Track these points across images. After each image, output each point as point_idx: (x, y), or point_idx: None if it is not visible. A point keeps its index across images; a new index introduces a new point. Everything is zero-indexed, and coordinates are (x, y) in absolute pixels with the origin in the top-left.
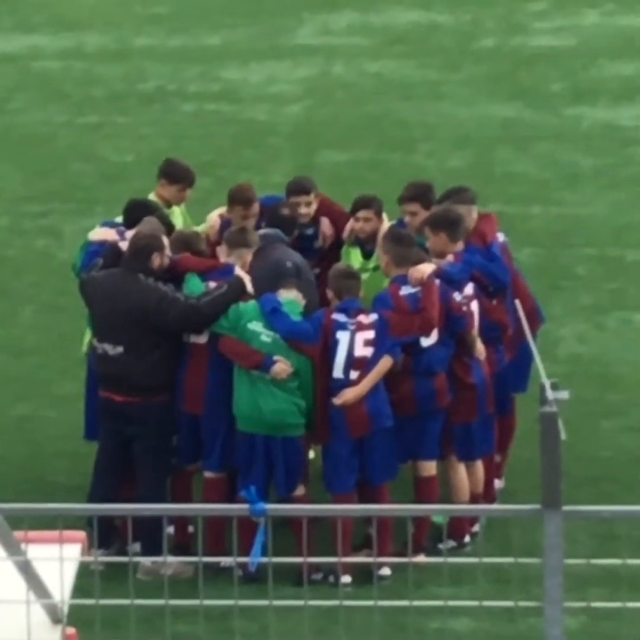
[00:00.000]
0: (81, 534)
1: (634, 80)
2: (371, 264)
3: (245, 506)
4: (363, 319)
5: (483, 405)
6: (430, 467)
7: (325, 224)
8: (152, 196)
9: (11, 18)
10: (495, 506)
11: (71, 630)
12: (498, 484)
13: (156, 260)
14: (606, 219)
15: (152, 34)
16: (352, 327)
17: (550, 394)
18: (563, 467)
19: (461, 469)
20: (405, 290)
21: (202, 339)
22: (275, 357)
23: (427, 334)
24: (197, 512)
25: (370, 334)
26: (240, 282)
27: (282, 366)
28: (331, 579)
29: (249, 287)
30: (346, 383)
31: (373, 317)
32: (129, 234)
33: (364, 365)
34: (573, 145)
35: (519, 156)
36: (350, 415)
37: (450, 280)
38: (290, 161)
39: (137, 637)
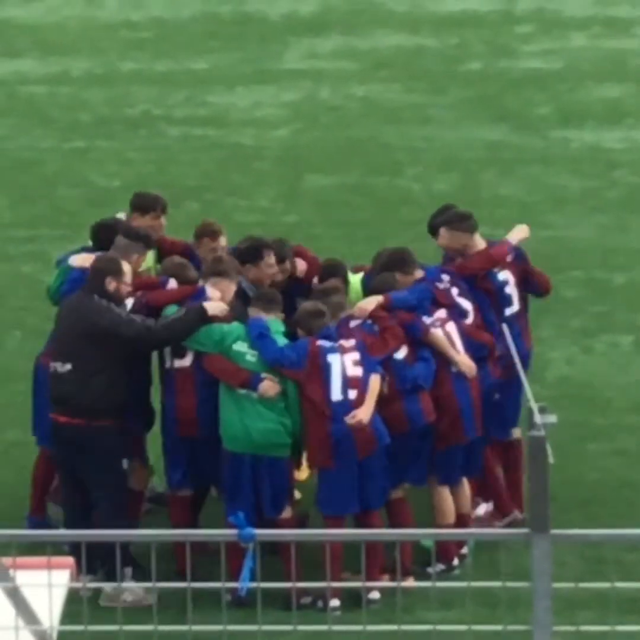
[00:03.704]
0: (70, 560)
1: (621, 103)
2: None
3: (234, 531)
4: (344, 343)
5: (469, 428)
6: (401, 489)
7: (301, 263)
8: None
9: None
10: (484, 530)
11: None
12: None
13: (111, 285)
14: (593, 242)
15: (138, 59)
16: (339, 349)
17: (538, 418)
18: (551, 490)
19: (444, 492)
20: (354, 323)
21: (186, 362)
22: (263, 374)
23: (401, 345)
24: (185, 537)
25: (355, 355)
26: (200, 309)
27: (269, 383)
28: (320, 603)
29: (219, 311)
30: (347, 404)
31: (352, 341)
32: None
33: (358, 384)
34: (560, 168)
35: (505, 179)
36: (358, 436)
37: (404, 306)
38: (277, 185)
39: None
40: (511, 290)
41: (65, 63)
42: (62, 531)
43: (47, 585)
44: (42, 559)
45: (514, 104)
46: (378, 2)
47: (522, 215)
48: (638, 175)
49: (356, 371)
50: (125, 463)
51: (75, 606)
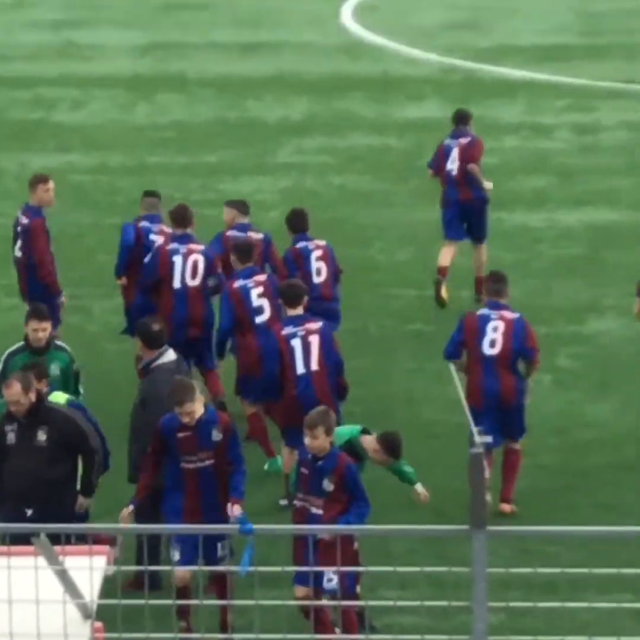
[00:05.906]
0: (106, 548)
1: (544, 191)
2: None
3: (236, 526)
4: None
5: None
6: None
7: None
8: None
9: (52, 141)
10: (431, 527)
11: (99, 624)
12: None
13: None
14: (523, 302)
15: (163, 154)
16: None
17: (477, 439)
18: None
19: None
20: None
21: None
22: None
23: None
24: (197, 531)
25: None
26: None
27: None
28: None
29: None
30: None
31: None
32: None
33: None
34: (496, 243)
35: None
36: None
37: None
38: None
39: (151, 629)
40: (497, 336)
41: (105, 157)
42: (101, 525)
43: (89, 568)
44: (85, 547)
45: None
46: (353, 110)
47: (463, 281)
48: (557, 248)
49: None
50: None
51: (111, 584)
